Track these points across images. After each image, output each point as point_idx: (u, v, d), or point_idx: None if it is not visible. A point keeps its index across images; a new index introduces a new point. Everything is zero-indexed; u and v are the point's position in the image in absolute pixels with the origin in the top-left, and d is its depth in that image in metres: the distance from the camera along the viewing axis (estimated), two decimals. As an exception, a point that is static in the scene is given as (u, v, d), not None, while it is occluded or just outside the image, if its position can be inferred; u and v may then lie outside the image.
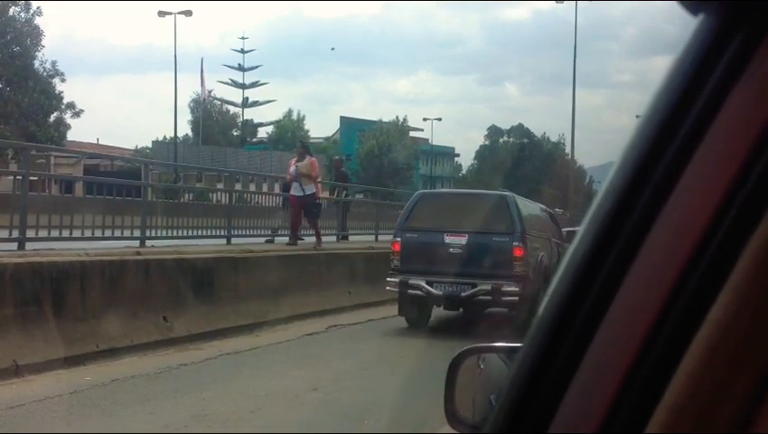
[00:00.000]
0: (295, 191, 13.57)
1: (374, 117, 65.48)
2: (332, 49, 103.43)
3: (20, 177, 10.52)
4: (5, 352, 6.78)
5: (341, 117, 70.22)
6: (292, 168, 13.84)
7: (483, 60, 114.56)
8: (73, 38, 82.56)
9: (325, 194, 16.87)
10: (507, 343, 1.57)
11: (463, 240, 10.14)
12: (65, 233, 10.10)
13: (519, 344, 0.83)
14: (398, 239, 10.57)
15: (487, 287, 9.80)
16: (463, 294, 9.96)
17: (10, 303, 7.14)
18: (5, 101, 35.37)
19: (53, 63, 38.17)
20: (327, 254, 13.50)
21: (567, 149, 56.00)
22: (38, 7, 37.03)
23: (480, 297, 9.97)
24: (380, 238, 17.90)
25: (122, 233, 11.18)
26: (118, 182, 12.79)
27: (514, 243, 9.81)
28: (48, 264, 7.92)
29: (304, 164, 13.68)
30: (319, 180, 14.76)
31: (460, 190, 16.19)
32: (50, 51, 38.10)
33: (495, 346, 1.66)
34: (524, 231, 10.05)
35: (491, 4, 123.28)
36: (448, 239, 10.19)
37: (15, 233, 9.08)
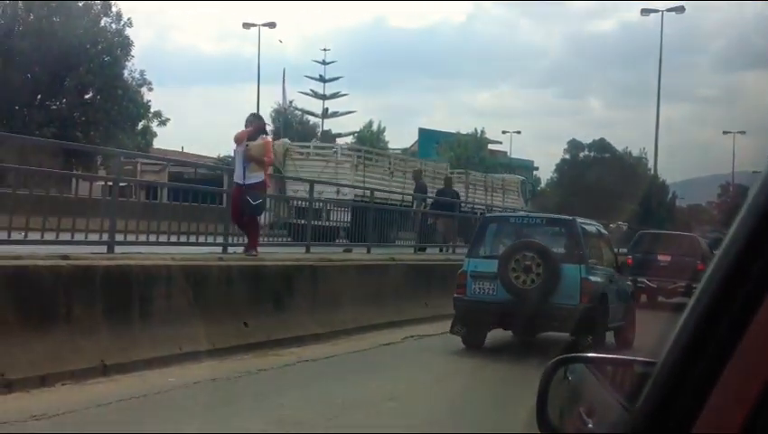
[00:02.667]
0: (237, 177, 10.73)
1: (453, 129, 65.43)
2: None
3: (110, 183, 10.93)
4: (94, 351, 7.01)
5: (420, 129, 70.41)
6: (239, 147, 10.80)
7: (566, 73, 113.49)
8: (162, 49, 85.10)
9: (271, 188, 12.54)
10: (599, 354, 1.57)
11: None
12: (151, 238, 10.42)
13: (612, 356, 0.84)
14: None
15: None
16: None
17: (99, 304, 7.39)
18: (96, 109, 36.60)
19: (142, 73, 39.30)
20: (404, 265, 13.53)
21: (650, 164, 54.83)
22: (129, 18, 38.28)
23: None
24: (457, 250, 17.94)
25: (205, 239, 11.46)
26: (201, 189, 13.10)
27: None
28: (136, 267, 8.17)
29: (257, 144, 10.73)
30: (269, 170, 11.81)
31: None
32: (139, 61, 39.25)
33: (588, 357, 1.65)
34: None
35: (576, 16, 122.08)
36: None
37: (105, 237, 9.41)
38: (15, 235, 8.41)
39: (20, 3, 35.70)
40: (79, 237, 9.21)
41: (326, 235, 14.86)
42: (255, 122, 11.20)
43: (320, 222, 14.39)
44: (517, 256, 9.62)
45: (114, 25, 38.04)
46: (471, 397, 7.30)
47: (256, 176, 10.63)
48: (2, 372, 6.16)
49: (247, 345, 8.63)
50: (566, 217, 11.43)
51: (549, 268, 9.50)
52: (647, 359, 1.17)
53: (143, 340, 7.58)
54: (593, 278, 9.85)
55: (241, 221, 10.80)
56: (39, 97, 36.59)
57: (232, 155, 11.01)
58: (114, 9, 37.85)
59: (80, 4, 36.86)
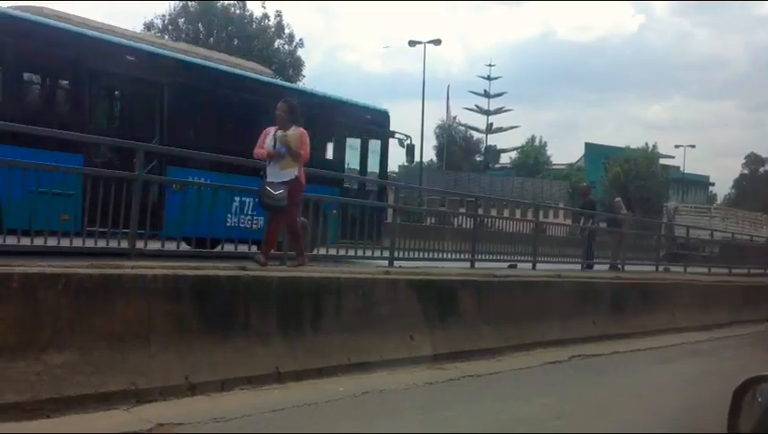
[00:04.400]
0: (271, 175, 9.14)
1: (621, 144, 63.44)
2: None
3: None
4: (269, 359, 7.30)
5: (587, 144, 68.78)
6: (269, 138, 9.24)
7: (747, 84, 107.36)
8: (331, 67, 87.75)
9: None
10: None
11: None
12: (322, 251, 10.80)
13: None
14: None
15: None
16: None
17: (274, 313, 7.70)
18: (269, 127, 38.26)
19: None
20: (571, 282, 13.23)
21: (840, 179, 50.88)
22: (300, 39, 39.88)
23: None
24: (626, 268, 17.42)
25: (372, 253, 11.72)
26: (363, 203, 13.39)
27: None
28: (307, 279, 8.47)
29: (292, 134, 9.18)
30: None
31: None
32: (309, 79, 40.75)
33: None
34: None
35: (759, 26, 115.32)
36: None
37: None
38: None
39: (200, 26, 37.98)
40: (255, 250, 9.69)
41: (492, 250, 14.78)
42: (286, 109, 9.35)
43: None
44: None
45: (286, 46, 39.74)
46: (642, 420, 7.02)
47: (289, 172, 9.15)
48: (186, 375, 6.53)
49: (413, 358, 8.70)
50: None
51: None
52: None
53: (314, 349, 7.82)
54: None
55: (273, 228, 9.32)
56: (217, 116, 38.54)
57: (258, 153, 9.34)
58: (287, 31, 39.54)
59: (255, 26, 38.78)
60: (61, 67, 11.34)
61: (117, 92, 13.04)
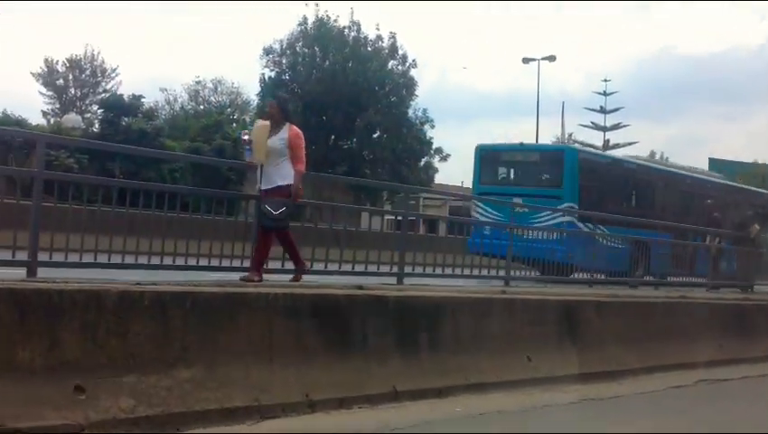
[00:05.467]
0: (265, 182, 8.48)
1: (748, 159, 60.79)
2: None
3: (398, 217, 11.53)
4: (387, 378, 7.36)
5: (710, 159, 66.17)
6: (246, 137, 8.75)
7: None
8: (444, 86, 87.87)
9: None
10: None
11: None
12: (429, 270, 10.82)
13: None
14: None
15: None
16: None
17: (390, 332, 7.76)
18: (383, 147, 38.76)
19: (425, 111, 40.97)
20: (695, 303, 12.76)
21: None
22: (413, 60, 40.19)
23: None
24: (756, 288, 16.63)
25: (488, 272, 11.65)
26: (480, 222, 13.37)
27: None
28: (423, 298, 8.51)
29: (280, 138, 8.41)
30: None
31: None
32: (422, 99, 41.01)
33: None
34: None
35: None
36: None
37: (395, 269, 9.93)
38: (317, 266, 9.14)
39: (317, 50, 38.86)
40: (371, 268, 9.81)
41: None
42: (276, 107, 8.76)
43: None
44: None
45: (400, 67, 40.12)
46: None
47: (282, 174, 8.39)
48: (306, 392, 6.66)
49: (531, 380, 8.59)
50: None
51: None
52: None
53: (431, 369, 7.83)
54: None
55: (264, 241, 8.47)
56: (333, 137, 39.38)
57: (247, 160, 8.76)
58: (400, 52, 39.94)
59: (370, 48, 39.35)
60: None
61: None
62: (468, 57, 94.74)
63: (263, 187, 8.50)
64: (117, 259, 7.89)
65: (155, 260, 8.10)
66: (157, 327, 6.11)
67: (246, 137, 8.71)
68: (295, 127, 8.61)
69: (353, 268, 9.63)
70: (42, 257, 7.09)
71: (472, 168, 19.40)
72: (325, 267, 9.26)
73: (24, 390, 5.26)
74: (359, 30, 39.41)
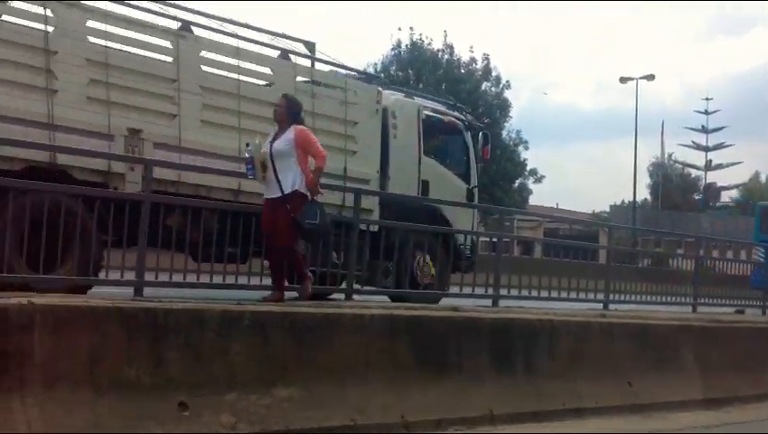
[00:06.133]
0: (268, 190, 7.96)
1: None
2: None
3: (493, 239, 11.47)
4: (482, 400, 7.30)
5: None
6: (248, 155, 8.08)
7: None
8: (539, 107, 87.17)
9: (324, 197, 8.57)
10: None
11: None
12: (525, 292, 10.70)
13: None
14: None
15: None
16: None
17: (486, 355, 7.70)
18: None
19: (518, 132, 40.74)
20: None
21: None
22: (507, 81, 40.06)
23: None
24: None
25: (586, 295, 11.45)
26: (577, 244, 13.14)
27: None
28: (519, 321, 8.41)
29: (285, 139, 7.86)
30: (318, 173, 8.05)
31: None
32: (516, 120, 40.81)
33: None
34: None
35: None
36: None
37: (490, 291, 9.89)
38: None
39: (411, 73, 39.14)
40: (466, 290, 9.81)
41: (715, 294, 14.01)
42: (284, 106, 8.14)
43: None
44: None
45: (493, 88, 40.02)
46: None
47: (290, 178, 7.76)
48: (402, 413, 6.67)
49: (631, 406, 8.37)
50: None
51: None
52: None
53: (527, 392, 7.73)
54: None
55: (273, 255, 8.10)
56: (429, 159, 39.40)
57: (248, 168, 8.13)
58: (494, 73, 39.87)
59: (463, 70, 39.41)
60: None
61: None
62: (564, 76, 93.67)
63: (266, 196, 7.96)
64: (217, 279, 8.15)
65: (254, 281, 8.31)
66: (257, 346, 6.24)
67: (247, 155, 8.06)
68: (300, 127, 8.01)
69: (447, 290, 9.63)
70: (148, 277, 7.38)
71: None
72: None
73: (131, 405, 5.44)
74: (452, 52, 39.55)
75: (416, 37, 39.33)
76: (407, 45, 39.40)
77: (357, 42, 78.56)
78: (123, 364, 5.52)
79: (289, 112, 8.04)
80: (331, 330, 6.73)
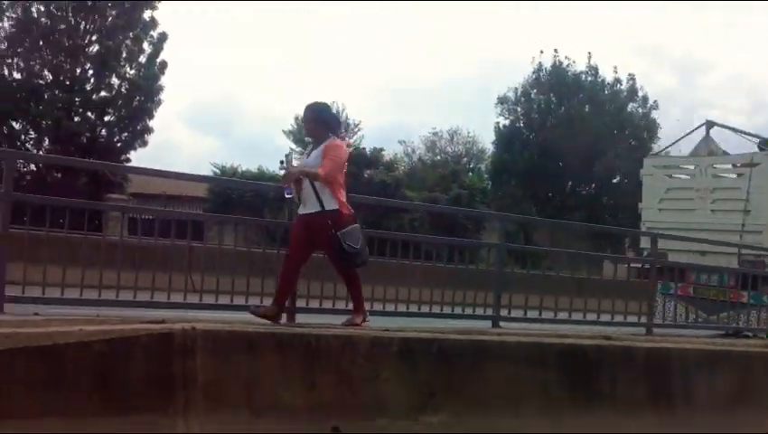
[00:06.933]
0: (304, 206, 7.29)
1: None
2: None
3: (647, 265, 11.07)
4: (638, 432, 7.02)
5: None
6: (295, 162, 7.60)
7: None
8: (692, 127, 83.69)
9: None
10: None
11: None
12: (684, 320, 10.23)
13: None
14: None
15: None
16: None
17: (641, 386, 7.40)
18: (623, 192, 37.48)
19: (667, 153, 39.27)
20: None
21: None
22: (655, 101, 38.84)
23: None
24: None
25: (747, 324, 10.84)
26: None
27: None
28: (676, 351, 8.05)
29: (316, 153, 7.19)
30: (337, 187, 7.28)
31: None
32: (665, 141, 39.35)
33: None
34: None
35: None
36: None
37: (643, 319, 9.54)
38: (561, 314, 8.99)
39: (552, 96, 38.66)
40: (617, 318, 9.49)
41: None
42: (312, 121, 7.35)
43: None
44: None
45: (640, 109, 38.90)
46: None
47: (325, 198, 7.09)
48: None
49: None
50: None
51: None
52: None
53: (685, 425, 7.36)
54: None
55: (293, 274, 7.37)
56: (570, 183, 38.77)
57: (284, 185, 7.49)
58: (640, 93, 38.81)
59: (607, 91, 38.56)
60: None
61: None
62: (717, 95, 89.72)
63: (301, 212, 7.30)
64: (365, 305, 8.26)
65: (401, 307, 8.38)
66: (405, 372, 6.27)
67: (281, 172, 7.46)
68: (335, 138, 7.25)
69: (598, 318, 9.37)
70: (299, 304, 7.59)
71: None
72: (569, 316, 9.09)
73: (286, 428, 5.58)
74: (596, 74, 38.77)
75: (559, 59, 38.88)
76: (548, 68, 38.98)
77: (496, 66, 78.35)
78: (278, 388, 5.67)
79: (318, 123, 7.31)
80: (478, 357, 6.67)
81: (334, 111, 7.62)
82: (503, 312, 9.11)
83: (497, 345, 6.91)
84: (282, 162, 7.29)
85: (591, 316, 9.27)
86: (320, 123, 7.26)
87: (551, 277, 9.86)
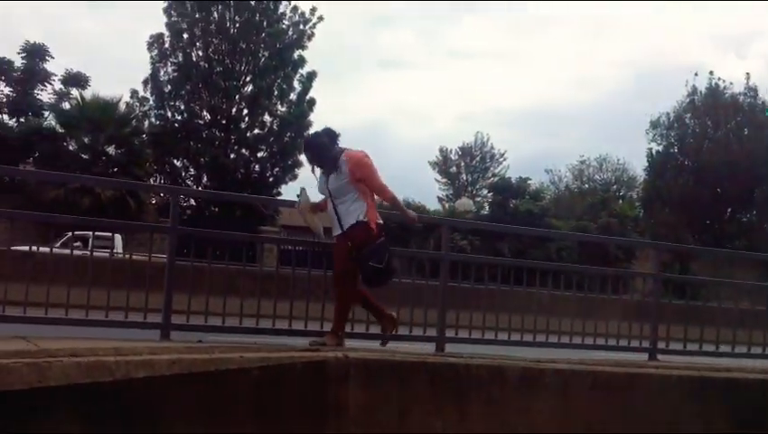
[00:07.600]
0: (334, 228, 6.71)
1: None
2: None
3: None
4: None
5: None
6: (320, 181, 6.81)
7: None
8: None
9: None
10: None
11: None
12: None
13: None
14: None
15: None
16: None
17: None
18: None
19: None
20: None
21: None
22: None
23: None
24: None
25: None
26: None
27: None
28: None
29: (338, 175, 6.52)
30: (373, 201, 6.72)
31: None
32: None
33: None
34: None
35: None
36: None
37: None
38: (723, 347, 8.53)
39: (707, 120, 37.15)
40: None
41: None
42: (326, 137, 6.73)
43: None
44: None
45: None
46: None
47: (352, 211, 6.55)
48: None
49: None
50: None
51: None
52: None
53: None
54: None
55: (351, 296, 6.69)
56: (729, 210, 37.01)
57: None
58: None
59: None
60: None
61: None
62: None
63: (335, 233, 6.72)
64: (515, 336, 8.13)
65: (552, 338, 8.19)
66: (558, 405, 6.14)
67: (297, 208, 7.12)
68: (350, 153, 6.59)
69: (764, 351, 8.83)
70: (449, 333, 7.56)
71: None
72: (732, 349, 8.61)
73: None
74: (755, 96, 36.93)
75: (715, 81, 37.34)
76: (703, 91, 37.48)
77: (644, 92, 76.08)
78: (430, 417, 5.69)
79: (320, 148, 6.71)
80: (635, 389, 6.46)
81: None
82: (660, 344, 8.73)
83: (656, 378, 6.67)
84: (298, 195, 7.03)
85: (756, 350, 8.72)
86: (320, 147, 6.70)
87: (711, 308, 9.38)
